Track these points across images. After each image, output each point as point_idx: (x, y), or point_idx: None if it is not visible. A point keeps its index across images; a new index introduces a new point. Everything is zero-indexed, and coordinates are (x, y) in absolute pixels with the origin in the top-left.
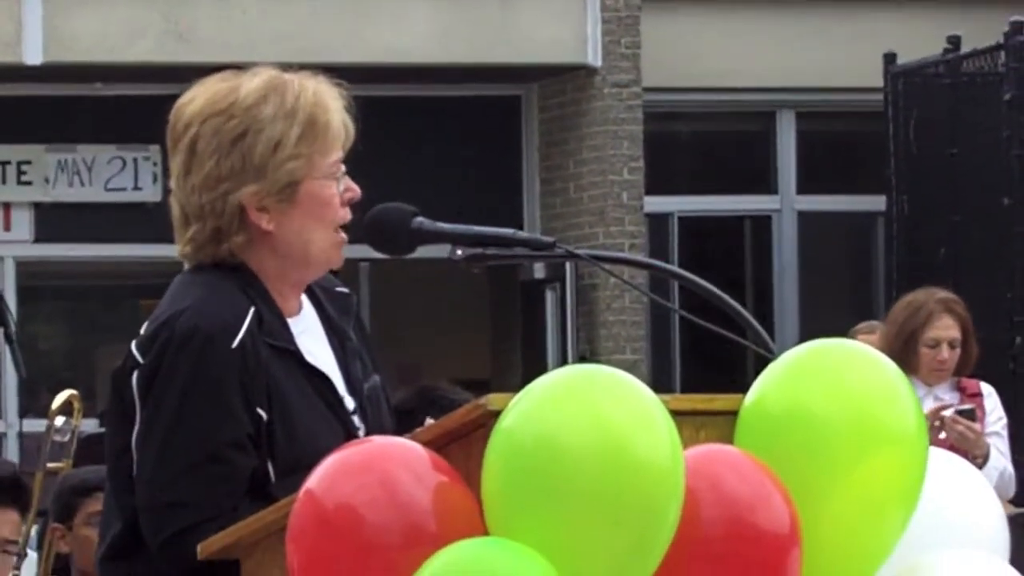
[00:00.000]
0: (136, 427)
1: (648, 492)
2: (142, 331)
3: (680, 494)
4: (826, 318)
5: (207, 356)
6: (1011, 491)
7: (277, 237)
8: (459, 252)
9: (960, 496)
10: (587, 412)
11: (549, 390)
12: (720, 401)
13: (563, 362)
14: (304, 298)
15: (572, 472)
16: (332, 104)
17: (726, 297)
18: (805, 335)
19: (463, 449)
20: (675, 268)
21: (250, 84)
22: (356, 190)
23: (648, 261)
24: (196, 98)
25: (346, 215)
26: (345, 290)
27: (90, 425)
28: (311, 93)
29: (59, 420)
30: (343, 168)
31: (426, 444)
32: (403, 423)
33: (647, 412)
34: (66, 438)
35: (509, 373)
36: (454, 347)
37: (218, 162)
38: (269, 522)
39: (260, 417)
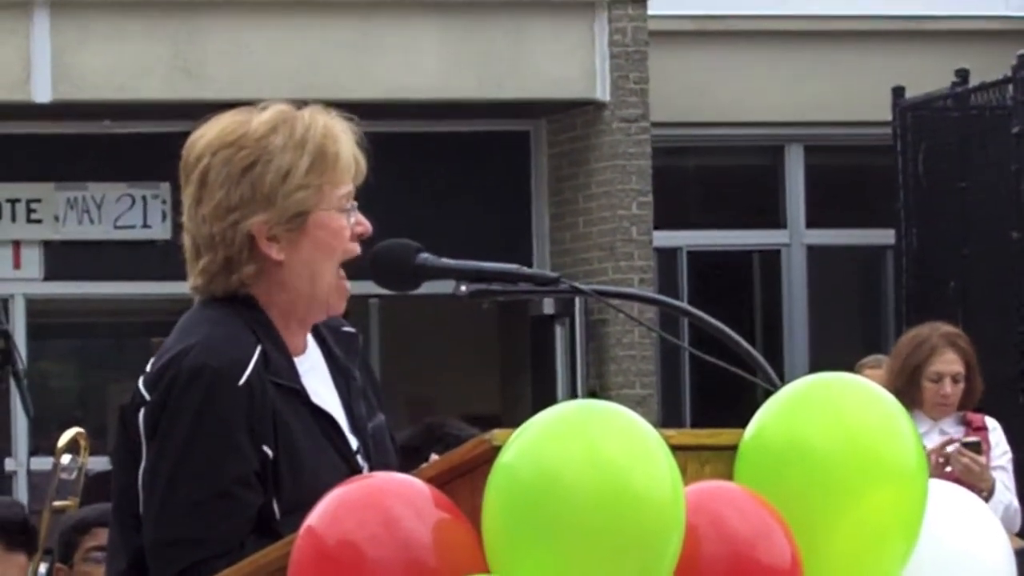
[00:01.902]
0: (143, 464)
1: (648, 526)
2: (149, 367)
3: (681, 528)
4: (836, 352)
5: (214, 393)
6: (1017, 525)
7: (286, 268)
8: (463, 288)
9: (967, 529)
10: (586, 447)
11: (548, 425)
12: (724, 435)
13: (573, 397)
14: (310, 337)
15: (572, 507)
16: (342, 136)
17: (729, 331)
18: (815, 369)
19: (469, 484)
20: (678, 303)
21: (260, 117)
22: (367, 225)
23: (652, 296)
24: (208, 132)
25: (355, 249)
26: (351, 330)
27: (100, 463)
28: (321, 125)
29: (65, 458)
30: (354, 202)
31: (431, 480)
32: (410, 460)
33: (646, 446)
34: (72, 476)
35: (519, 408)
36: (464, 382)
37: (228, 192)
38: (274, 559)
39: (266, 455)
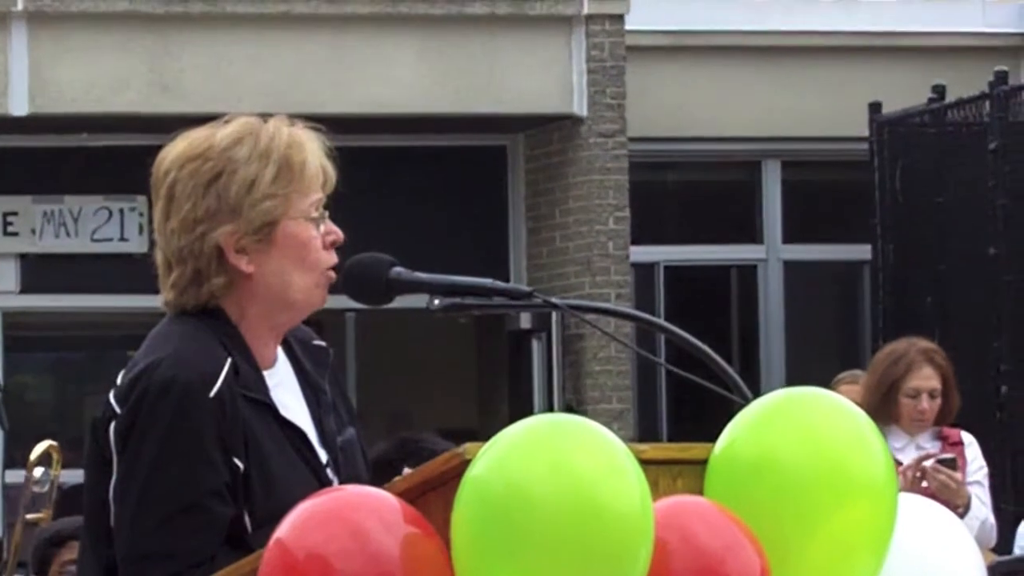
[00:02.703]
0: (113, 477)
1: (617, 540)
2: (119, 380)
3: (649, 542)
4: (812, 367)
5: (184, 406)
6: (992, 540)
7: (257, 279)
8: (436, 302)
9: (940, 544)
10: (555, 461)
11: (517, 439)
12: (696, 450)
13: (549, 411)
14: (280, 351)
15: (540, 521)
16: (308, 145)
17: (703, 346)
18: (792, 384)
19: (441, 498)
20: (653, 318)
21: (225, 130)
22: (338, 233)
23: (627, 311)
24: (176, 147)
25: (330, 258)
26: (322, 343)
27: (76, 476)
28: (286, 135)
29: (38, 471)
30: (325, 211)
31: (403, 493)
32: (383, 474)
33: (615, 461)
34: (45, 489)
35: (496, 422)
36: (441, 396)
37: (195, 204)
38: (246, 572)
39: (237, 467)
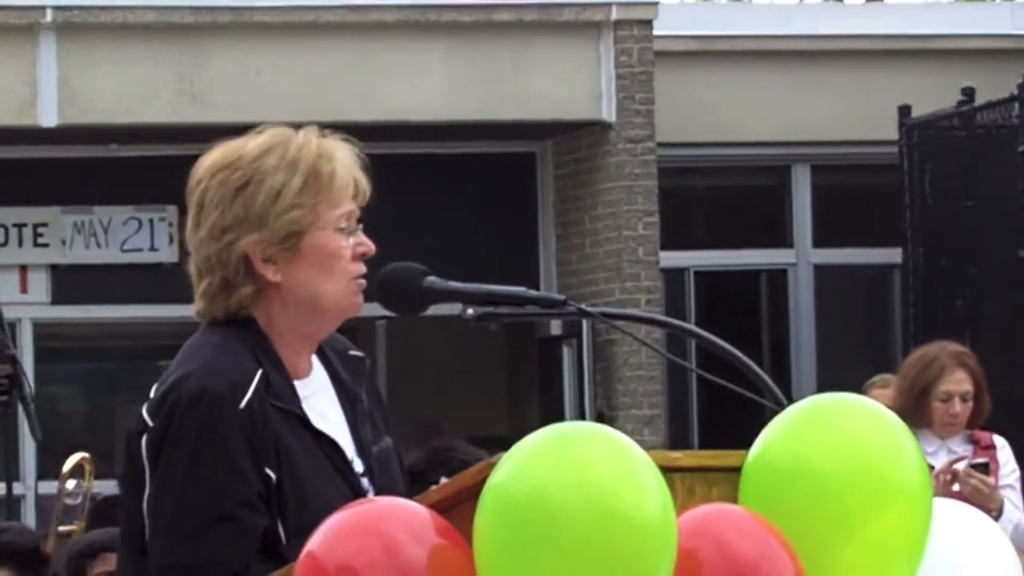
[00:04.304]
0: (147, 490)
1: (638, 549)
2: (152, 393)
3: (672, 551)
4: (843, 371)
5: (215, 417)
6: None
7: (285, 289)
8: (470, 311)
9: (976, 548)
10: (576, 468)
11: (537, 447)
12: (732, 457)
13: (580, 418)
14: (316, 360)
15: (561, 528)
16: (338, 156)
17: (737, 352)
18: (823, 388)
19: (474, 508)
20: (686, 324)
21: (257, 139)
22: (369, 245)
23: (659, 318)
24: (209, 156)
25: (359, 269)
26: (359, 353)
27: (108, 487)
28: (315, 145)
29: (70, 483)
30: (357, 223)
31: (436, 504)
32: (416, 484)
33: (636, 469)
34: (77, 501)
35: (527, 429)
36: (471, 404)
37: (222, 212)
38: None
39: (269, 477)
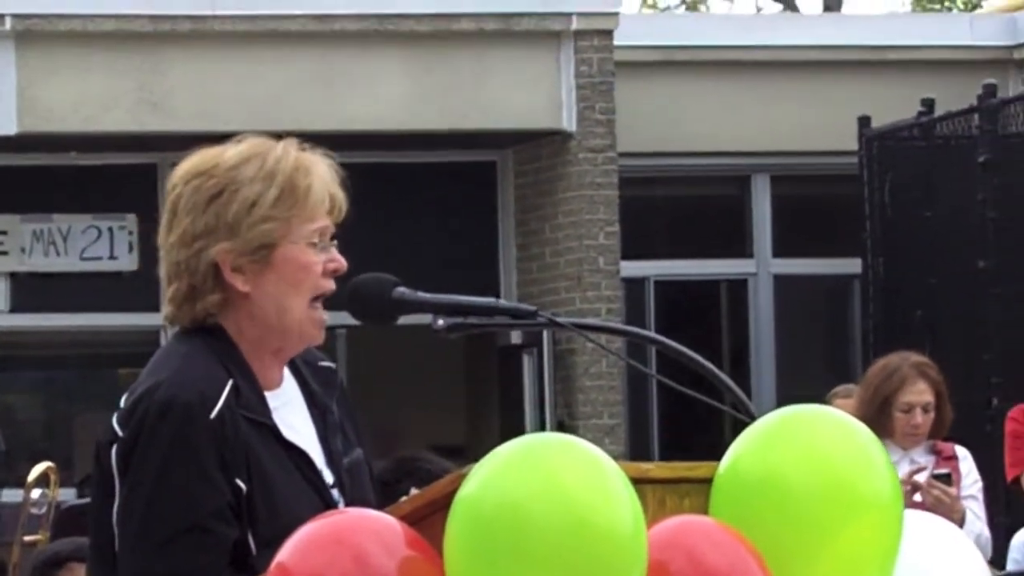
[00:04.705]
0: (116, 501)
1: (610, 561)
2: (122, 403)
3: (642, 562)
4: (803, 381)
5: (185, 427)
6: (988, 554)
7: (253, 300)
8: (440, 322)
9: (946, 559)
10: (548, 480)
11: (508, 458)
12: (704, 468)
13: (541, 427)
14: (287, 371)
15: (533, 540)
16: (316, 171)
17: (711, 366)
18: (782, 398)
19: (446, 520)
20: (661, 337)
21: (235, 148)
22: (341, 262)
23: (634, 330)
24: (187, 162)
25: (328, 285)
26: (330, 364)
27: (68, 495)
28: (293, 158)
29: (36, 492)
30: (331, 239)
31: (408, 515)
32: (382, 494)
33: (607, 480)
34: (43, 510)
35: (486, 439)
36: (431, 413)
37: (194, 220)
38: None
39: (239, 488)
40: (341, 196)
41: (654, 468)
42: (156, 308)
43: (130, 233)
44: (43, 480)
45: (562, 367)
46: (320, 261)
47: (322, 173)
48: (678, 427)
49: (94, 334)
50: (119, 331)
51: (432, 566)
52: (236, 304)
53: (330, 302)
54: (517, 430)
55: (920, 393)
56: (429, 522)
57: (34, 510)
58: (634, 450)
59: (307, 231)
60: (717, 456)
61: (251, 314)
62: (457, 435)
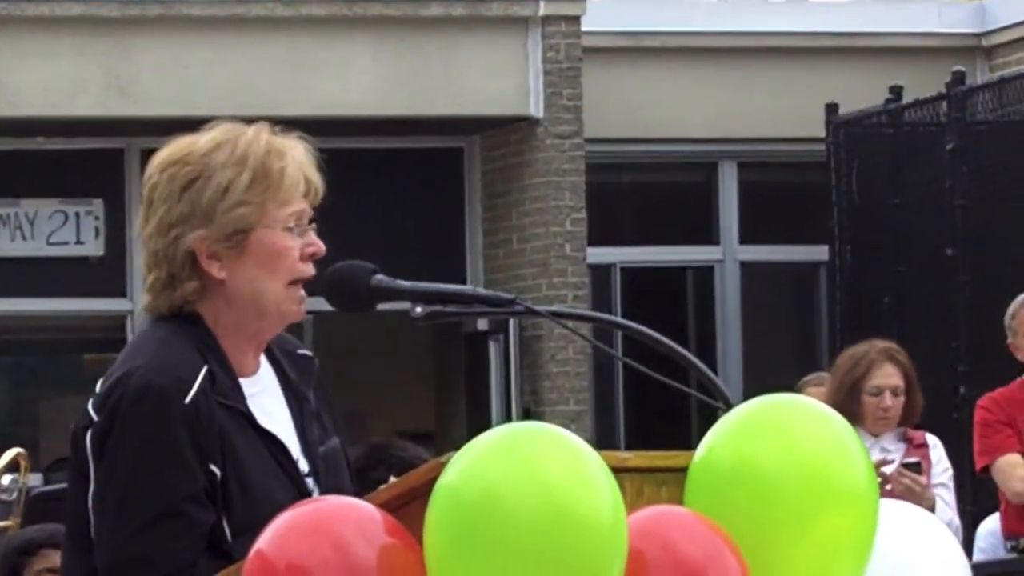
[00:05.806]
0: (92, 486)
1: (590, 549)
2: (97, 388)
3: (623, 551)
4: (770, 368)
5: (160, 412)
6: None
7: (229, 286)
8: (418, 310)
9: (924, 548)
10: (528, 468)
11: (489, 446)
12: (682, 458)
13: (507, 413)
14: (264, 359)
15: (513, 529)
16: (290, 154)
17: (687, 353)
18: (749, 385)
19: (424, 508)
20: (640, 327)
21: (208, 135)
22: (319, 245)
23: (614, 319)
24: (162, 151)
25: (307, 269)
26: (307, 352)
27: (35, 480)
28: (264, 142)
29: (6, 479)
30: (309, 223)
31: (386, 503)
32: (356, 481)
33: (588, 470)
34: (12, 496)
35: (453, 424)
36: (398, 399)
37: (169, 208)
38: None
39: (214, 474)
40: (317, 179)
41: (632, 457)
42: (122, 294)
43: (96, 218)
44: (13, 466)
45: (528, 353)
46: (296, 246)
47: (297, 156)
48: (644, 414)
49: (60, 319)
50: (85, 316)
51: (412, 554)
52: (213, 291)
53: (304, 288)
54: (483, 416)
55: (888, 376)
56: (408, 510)
57: (4, 496)
58: (600, 437)
59: (282, 215)
60: (682, 442)
61: (228, 300)
62: (425, 421)
